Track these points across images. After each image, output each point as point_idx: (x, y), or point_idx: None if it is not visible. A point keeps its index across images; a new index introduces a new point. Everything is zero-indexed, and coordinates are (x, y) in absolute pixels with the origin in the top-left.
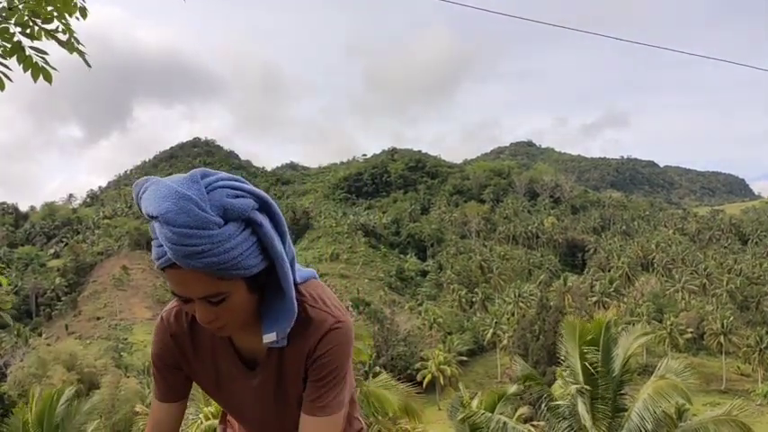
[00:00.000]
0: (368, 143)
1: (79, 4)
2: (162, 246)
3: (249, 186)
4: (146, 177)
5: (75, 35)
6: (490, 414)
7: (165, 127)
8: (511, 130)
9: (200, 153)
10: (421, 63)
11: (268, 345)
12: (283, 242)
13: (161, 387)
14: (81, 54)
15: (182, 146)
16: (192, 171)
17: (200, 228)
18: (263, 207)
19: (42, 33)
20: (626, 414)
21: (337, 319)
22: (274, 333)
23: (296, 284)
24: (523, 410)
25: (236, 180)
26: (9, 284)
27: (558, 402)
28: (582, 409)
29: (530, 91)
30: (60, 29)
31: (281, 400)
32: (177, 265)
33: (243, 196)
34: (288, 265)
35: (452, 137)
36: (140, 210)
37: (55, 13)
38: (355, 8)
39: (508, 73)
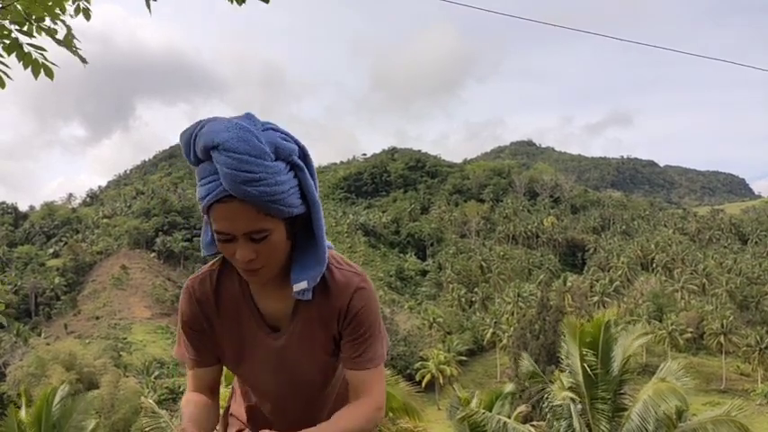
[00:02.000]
0: (371, 142)
1: (82, 6)
2: (212, 182)
3: (293, 135)
4: (197, 121)
5: (72, 32)
6: (489, 413)
7: (168, 126)
8: (515, 130)
9: None
10: (425, 62)
11: (299, 292)
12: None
13: (193, 353)
14: (74, 52)
15: None
16: (246, 112)
17: (258, 157)
18: (303, 156)
19: (41, 30)
20: (626, 414)
21: (363, 277)
22: (305, 281)
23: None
24: (522, 409)
25: (284, 129)
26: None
27: (558, 402)
28: (575, 415)
29: (534, 90)
30: (58, 25)
31: (305, 362)
32: (226, 200)
33: (289, 141)
34: (321, 210)
35: (457, 136)
36: (191, 151)
37: (52, 11)
38: (359, 7)
39: (513, 72)
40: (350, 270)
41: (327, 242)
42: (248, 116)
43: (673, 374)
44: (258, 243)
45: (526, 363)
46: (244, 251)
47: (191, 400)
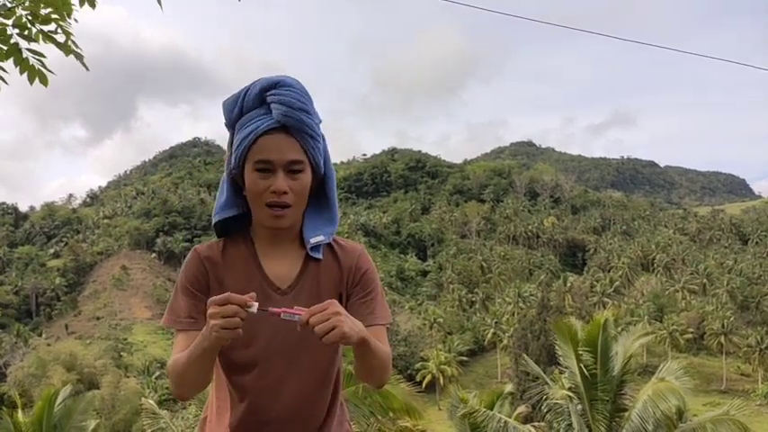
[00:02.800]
0: (372, 143)
1: None
2: (261, 118)
3: None
4: (250, 83)
5: (72, 38)
6: (491, 412)
7: (170, 126)
8: (517, 131)
9: (199, 153)
10: (427, 62)
11: (315, 246)
12: None
13: (188, 315)
14: (78, 56)
15: (181, 146)
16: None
17: (308, 96)
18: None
19: (40, 36)
20: (626, 415)
21: (361, 245)
22: (321, 235)
23: None
24: (521, 410)
25: None
26: (8, 285)
27: (558, 402)
28: (574, 415)
29: (537, 91)
30: (58, 30)
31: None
32: (273, 132)
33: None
34: (334, 173)
35: (459, 137)
36: (240, 105)
37: (53, 15)
38: (361, 7)
39: (515, 72)
40: (350, 242)
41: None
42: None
43: (672, 374)
44: (294, 176)
45: (526, 364)
46: (281, 181)
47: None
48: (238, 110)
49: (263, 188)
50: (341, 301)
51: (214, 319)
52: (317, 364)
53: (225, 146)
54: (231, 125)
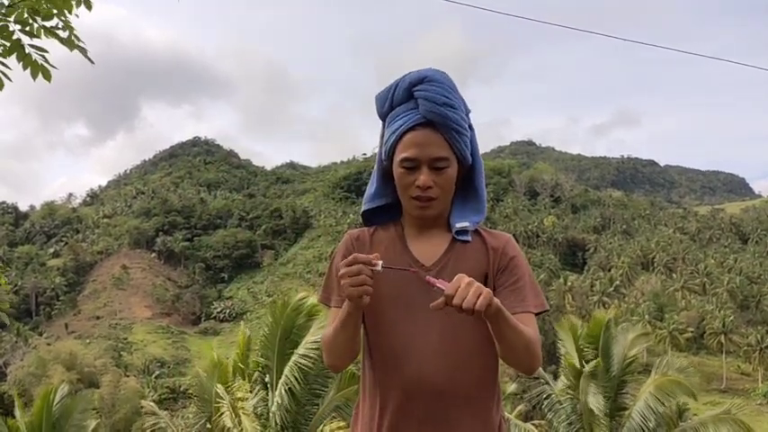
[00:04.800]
0: (376, 142)
1: None
2: (409, 113)
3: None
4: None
5: (75, 32)
6: None
7: (172, 126)
8: (520, 131)
9: (199, 152)
10: (430, 62)
11: (461, 230)
12: None
13: (340, 292)
14: (82, 51)
15: (182, 145)
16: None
17: (455, 90)
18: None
19: (42, 31)
20: (626, 413)
21: (509, 234)
22: (467, 221)
23: None
24: (522, 409)
25: None
26: (8, 284)
27: (559, 400)
28: (575, 414)
29: (540, 91)
30: (60, 26)
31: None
32: (419, 127)
33: (465, 103)
34: (482, 164)
35: None
36: (390, 98)
37: (54, 11)
38: (364, 6)
39: (519, 72)
40: (497, 231)
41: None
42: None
43: (674, 368)
44: (438, 172)
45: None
46: (425, 177)
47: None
48: (389, 104)
49: (409, 182)
50: (486, 283)
51: (343, 279)
52: (464, 322)
53: (231, 145)
54: (383, 118)
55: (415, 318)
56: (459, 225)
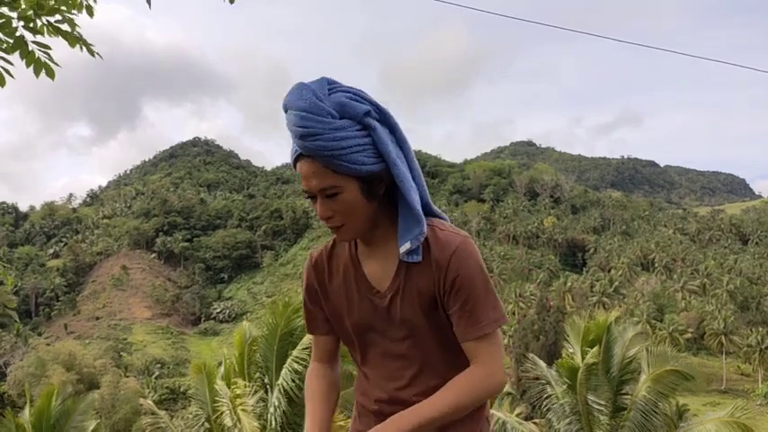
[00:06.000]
0: None
1: (85, 3)
2: (293, 142)
3: (372, 98)
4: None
5: (78, 28)
6: (492, 411)
7: (174, 126)
8: (524, 131)
9: (199, 152)
10: (434, 62)
11: (405, 254)
12: (407, 158)
13: (313, 321)
14: (87, 45)
15: (182, 145)
16: (322, 76)
17: (315, 113)
18: (383, 119)
19: (45, 28)
20: (626, 413)
21: (464, 238)
22: (408, 242)
23: (431, 212)
24: (521, 409)
25: (360, 91)
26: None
27: (558, 401)
28: (575, 414)
29: (544, 91)
30: (63, 21)
31: (411, 316)
32: (300, 158)
33: (360, 101)
34: (404, 169)
35: (465, 137)
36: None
37: (62, 6)
38: (367, 6)
39: (523, 72)
40: (452, 231)
41: (445, 215)
42: (321, 79)
43: (670, 361)
44: (333, 199)
45: (530, 363)
46: (320, 208)
47: (313, 373)
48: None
49: (317, 210)
50: (437, 300)
51: None
52: (423, 337)
53: (225, 146)
54: None
55: (380, 344)
56: (402, 250)
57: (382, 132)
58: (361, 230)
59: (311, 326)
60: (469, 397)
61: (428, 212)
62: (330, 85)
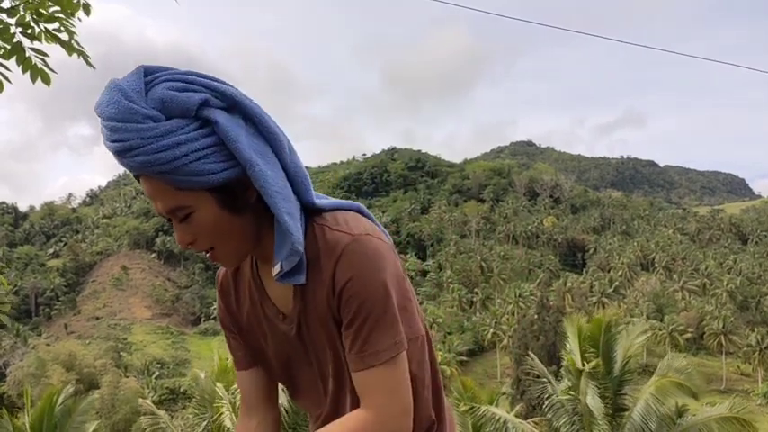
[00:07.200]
0: (380, 143)
1: (82, 1)
2: None
3: (209, 81)
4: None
5: (75, 37)
6: (492, 408)
7: None
8: (526, 131)
9: None
10: (436, 63)
11: (278, 277)
12: (276, 150)
13: (234, 353)
14: (82, 54)
15: None
16: (140, 65)
17: (127, 121)
18: (232, 106)
19: (42, 35)
20: (626, 413)
21: (355, 237)
22: (279, 264)
23: (317, 208)
24: (520, 409)
25: (192, 74)
26: (9, 285)
27: (558, 401)
28: (575, 414)
29: (546, 91)
30: (61, 29)
31: (320, 345)
32: (141, 175)
33: (191, 90)
34: (266, 168)
35: (467, 137)
36: None
37: (59, 14)
38: (369, 7)
39: (525, 73)
40: (342, 230)
41: (355, 204)
42: (136, 71)
43: (675, 370)
44: (188, 221)
45: (530, 363)
46: (177, 234)
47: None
48: None
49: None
50: (338, 329)
51: None
52: (340, 369)
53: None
54: None
55: (307, 373)
56: (273, 274)
57: (230, 124)
58: (240, 252)
59: (234, 361)
60: None
61: (316, 209)
62: (149, 77)
